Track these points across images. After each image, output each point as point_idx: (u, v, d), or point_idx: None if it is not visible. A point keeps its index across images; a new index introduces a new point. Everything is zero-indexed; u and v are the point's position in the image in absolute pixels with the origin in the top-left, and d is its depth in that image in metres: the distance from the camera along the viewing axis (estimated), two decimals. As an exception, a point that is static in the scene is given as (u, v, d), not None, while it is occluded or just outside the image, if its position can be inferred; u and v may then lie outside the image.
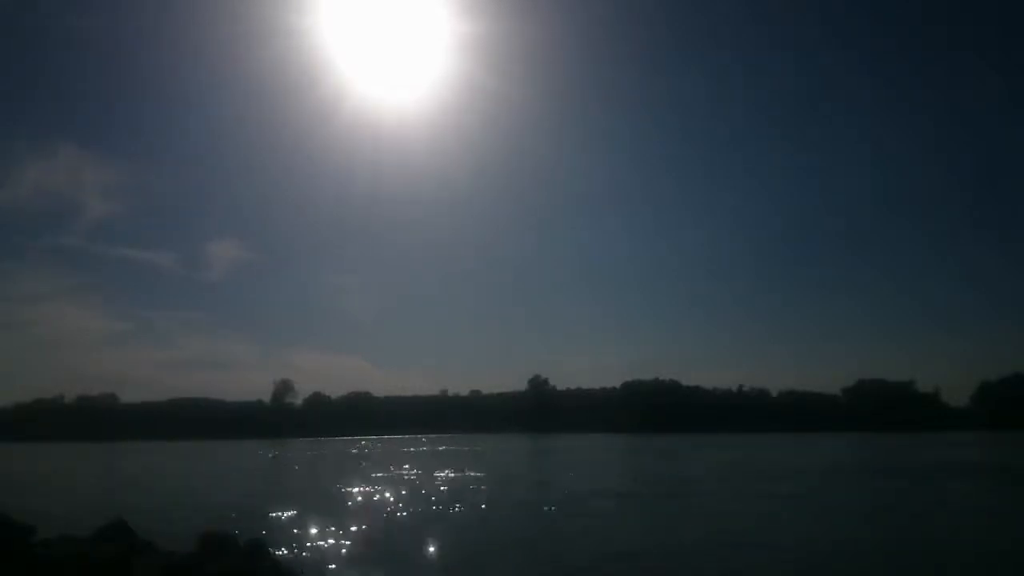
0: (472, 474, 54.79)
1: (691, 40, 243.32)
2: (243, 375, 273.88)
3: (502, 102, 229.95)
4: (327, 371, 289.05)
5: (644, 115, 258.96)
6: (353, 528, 27.56)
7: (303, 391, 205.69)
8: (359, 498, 39.21)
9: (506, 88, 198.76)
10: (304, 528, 27.42)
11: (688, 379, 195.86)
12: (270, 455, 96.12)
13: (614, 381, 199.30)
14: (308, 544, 23.99)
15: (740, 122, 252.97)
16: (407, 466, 64.50)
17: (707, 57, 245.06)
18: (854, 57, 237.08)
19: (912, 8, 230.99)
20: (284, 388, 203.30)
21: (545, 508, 33.68)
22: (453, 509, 33.48)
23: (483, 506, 34.58)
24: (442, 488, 43.53)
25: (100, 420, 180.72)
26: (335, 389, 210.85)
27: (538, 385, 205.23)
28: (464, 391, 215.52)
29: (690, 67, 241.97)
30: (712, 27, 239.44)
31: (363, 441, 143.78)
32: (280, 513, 31.35)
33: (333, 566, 20.94)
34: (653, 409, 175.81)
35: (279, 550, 20.78)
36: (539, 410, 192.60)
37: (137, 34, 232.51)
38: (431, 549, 23.90)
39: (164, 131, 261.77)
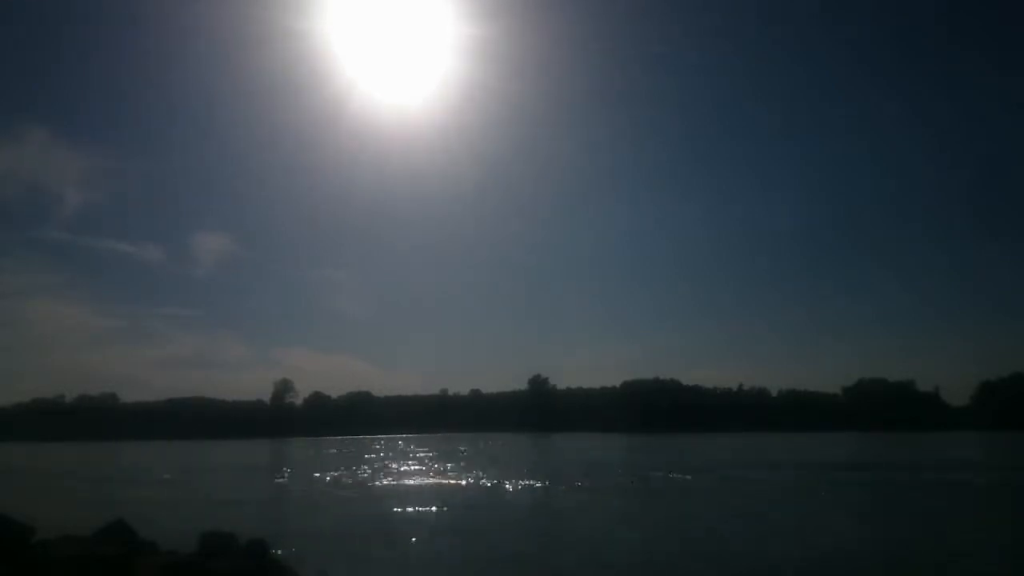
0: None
1: (692, 40, 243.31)
2: (241, 375, 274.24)
3: (503, 103, 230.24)
4: (327, 371, 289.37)
5: (645, 116, 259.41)
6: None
7: (303, 391, 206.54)
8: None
9: (508, 89, 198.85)
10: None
11: (688, 378, 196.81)
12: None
13: (614, 381, 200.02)
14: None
15: (741, 122, 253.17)
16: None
17: (708, 57, 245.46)
18: (856, 57, 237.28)
19: (915, 8, 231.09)
20: (284, 388, 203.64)
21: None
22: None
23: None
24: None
25: (100, 420, 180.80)
26: (335, 389, 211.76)
27: (538, 385, 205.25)
28: (464, 391, 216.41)
29: (691, 67, 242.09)
30: (714, 27, 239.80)
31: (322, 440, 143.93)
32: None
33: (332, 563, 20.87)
34: (653, 409, 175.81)
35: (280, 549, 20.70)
36: (539, 410, 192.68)
37: (130, 22, 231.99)
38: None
39: (153, 123, 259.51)
